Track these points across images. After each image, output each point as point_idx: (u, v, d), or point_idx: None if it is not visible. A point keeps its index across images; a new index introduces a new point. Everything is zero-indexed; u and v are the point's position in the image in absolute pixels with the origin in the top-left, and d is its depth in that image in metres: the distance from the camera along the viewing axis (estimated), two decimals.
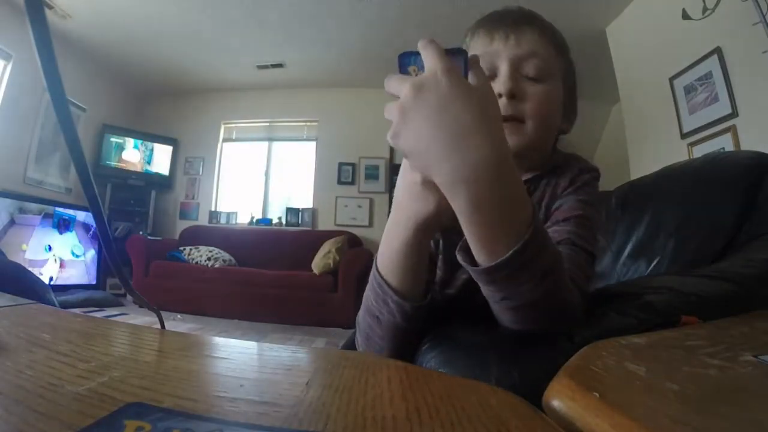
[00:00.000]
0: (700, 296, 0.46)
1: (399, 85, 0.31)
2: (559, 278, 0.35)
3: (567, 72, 0.55)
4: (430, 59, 0.30)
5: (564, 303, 0.36)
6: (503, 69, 0.50)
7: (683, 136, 2.23)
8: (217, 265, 3.15)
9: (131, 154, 3.95)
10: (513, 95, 0.48)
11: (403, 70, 0.33)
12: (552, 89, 0.51)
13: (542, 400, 0.21)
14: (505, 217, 0.30)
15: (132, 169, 3.95)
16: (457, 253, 0.34)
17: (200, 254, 3.22)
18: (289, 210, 4.01)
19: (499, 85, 0.49)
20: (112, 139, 3.83)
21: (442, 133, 0.29)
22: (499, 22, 0.53)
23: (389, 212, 0.42)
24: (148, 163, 4.07)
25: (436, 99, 0.29)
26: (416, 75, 0.32)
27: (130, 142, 3.96)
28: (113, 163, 3.84)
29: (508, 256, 0.30)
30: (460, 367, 0.34)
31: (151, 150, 4.10)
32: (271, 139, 4.31)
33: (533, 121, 0.49)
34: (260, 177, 4.25)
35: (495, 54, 0.50)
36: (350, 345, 0.71)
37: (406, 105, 0.30)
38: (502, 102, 0.48)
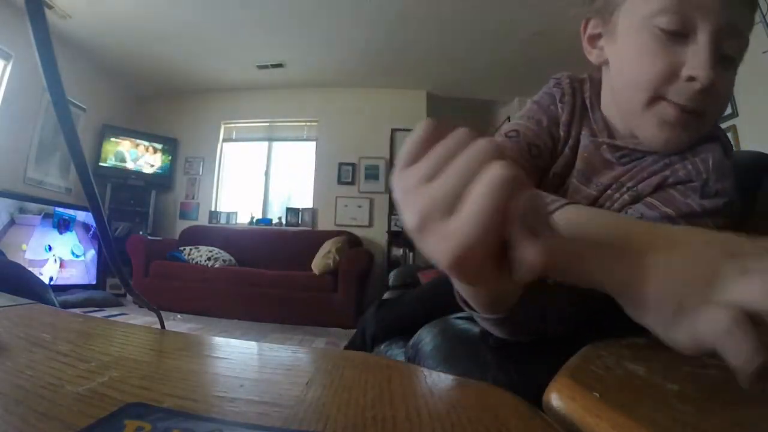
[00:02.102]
0: None
1: None
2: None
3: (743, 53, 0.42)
4: None
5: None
6: (704, 38, 0.35)
7: None
8: (217, 265, 3.15)
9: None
10: (708, 89, 0.36)
11: None
12: (734, 78, 0.40)
13: (542, 400, 0.21)
14: (491, 301, 0.30)
15: (132, 168, 3.96)
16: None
17: (200, 254, 3.22)
18: (289, 210, 4.01)
19: (700, 67, 0.35)
20: (114, 147, 3.83)
21: None
22: None
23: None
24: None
25: None
26: None
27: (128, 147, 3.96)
28: (113, 163, 3.84)
29: (493, 319, 0.32)
30: (459, 366, 0.34)
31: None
32: (271, 139, 4.31)
33: (711, 118, 0.40)
34: (260, 177, 4.25)
35: (686, 2, 0.36)
36: (355, 345, 0.70)
37: None
38: (691, 91, 0.36)
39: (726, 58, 0.37)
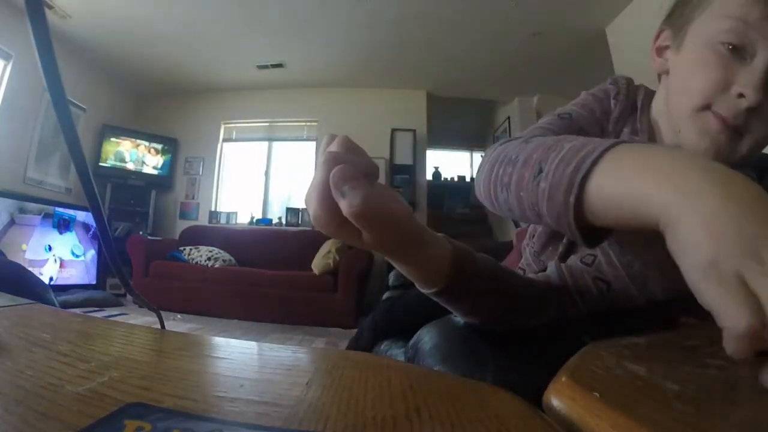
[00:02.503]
0: None
1: None
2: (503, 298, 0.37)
3: None
4: None
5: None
6: (760, 65, 0.37)
7: None
8: (217, 265, 3.15)
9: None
10: (755, 109, 0.38)
11: None
12: None
13: (542, 400, 0.21)
14: (421, 275, 0.34)
15: (132, 169, 3.96)
16: None
17: (200, 254, 3.22)
18: (289, 210, 4.01)
19: (750, 85, 0.37)
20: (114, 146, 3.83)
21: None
22: None
23: None
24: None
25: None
26: None
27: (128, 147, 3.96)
28: (113, 163, 3.84)
29: (431, 292, 0.35)
30: (458, 365, 0.34)
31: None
32: (271, 139, 4.31)
33: (752, 143, 0.40)
34: (260, 177, 4.25)
35: (752, 27, 0.38)
36: (359, 344, 0.70)
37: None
38: (736, 107, 0.39)
39: None
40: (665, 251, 0.22)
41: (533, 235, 0.54)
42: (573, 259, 0.44)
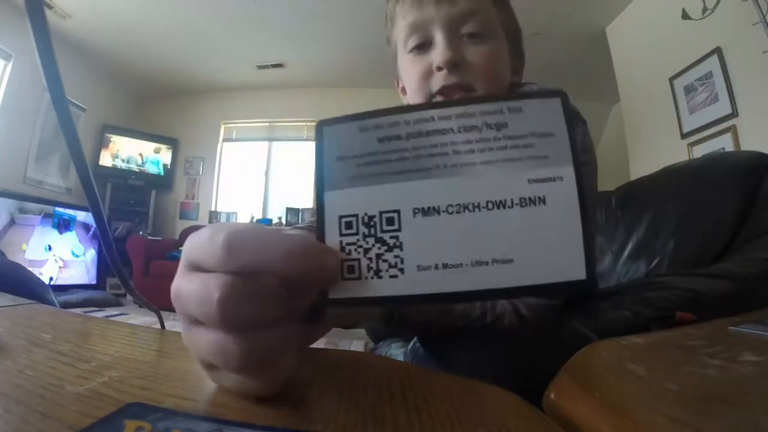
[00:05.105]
0: (699, 292, 0.46)
1: None
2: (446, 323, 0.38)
3: (508, 24, 0.51)
4: None
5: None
6: (439, 37, 0.45)
7: (683, 136, 2.24)
8: None
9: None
10: (455, 64, 0.44)
11: None
12: (497, 46, 0.47)
13: (542, 400, 0.21)
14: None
15: (132, 169, 3.96)
16: None
17: None
18: (289, 210, 4.01)
19: (437, 55, 0.44)
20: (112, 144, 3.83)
21: None
22: None
23: None
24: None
25: None
26: None
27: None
28: (113, 163, 3.84)
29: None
30: (458, 356, 0.34)
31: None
32: (271, 139, 4.31)
33: (483, 86, 0.45)
34: (260, 177, 4.25)
35: (428, 21, 0.46)
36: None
37: None
38: (442, 74, 0.45)
39: (473, 35, 0.45)
40: None
41: None
42: None
